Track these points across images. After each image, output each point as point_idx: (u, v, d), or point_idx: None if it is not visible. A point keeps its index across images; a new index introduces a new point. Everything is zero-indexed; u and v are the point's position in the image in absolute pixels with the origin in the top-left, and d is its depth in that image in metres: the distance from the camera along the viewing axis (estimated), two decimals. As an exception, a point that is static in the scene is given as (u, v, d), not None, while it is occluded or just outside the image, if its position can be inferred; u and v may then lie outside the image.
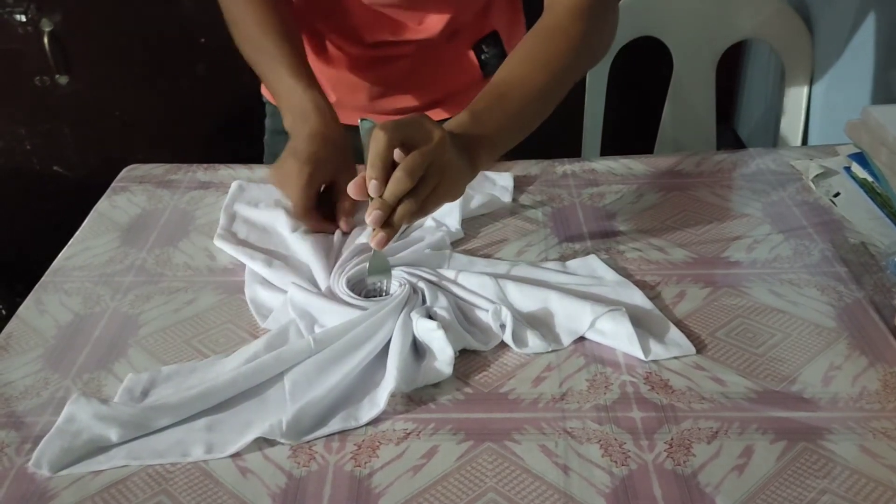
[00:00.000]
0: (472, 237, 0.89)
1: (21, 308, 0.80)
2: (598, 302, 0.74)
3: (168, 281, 0.84)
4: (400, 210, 0.69)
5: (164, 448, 0.63)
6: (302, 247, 0.85)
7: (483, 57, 1.09)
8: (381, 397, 0.66)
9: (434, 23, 1.02)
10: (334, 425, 0.64)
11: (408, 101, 1.11)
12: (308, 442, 0.64)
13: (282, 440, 0.63)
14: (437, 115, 1.10)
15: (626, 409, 0.66)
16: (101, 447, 0.63)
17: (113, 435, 0.63)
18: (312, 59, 1.08)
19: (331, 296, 0.77)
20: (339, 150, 0.89)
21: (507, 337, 0.72)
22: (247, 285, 0.81)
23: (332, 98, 1.09)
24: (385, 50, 1.05)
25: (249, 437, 0.63)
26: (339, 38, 1.06)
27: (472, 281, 0.78)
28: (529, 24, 1.08)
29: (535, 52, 0.84)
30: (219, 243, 0.88)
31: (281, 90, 0.92)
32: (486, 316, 0.74)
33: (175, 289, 0.82)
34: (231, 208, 0.94)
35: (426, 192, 0.70)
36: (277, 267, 0.82)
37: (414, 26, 1.03)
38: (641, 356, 0.70)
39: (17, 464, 0.63)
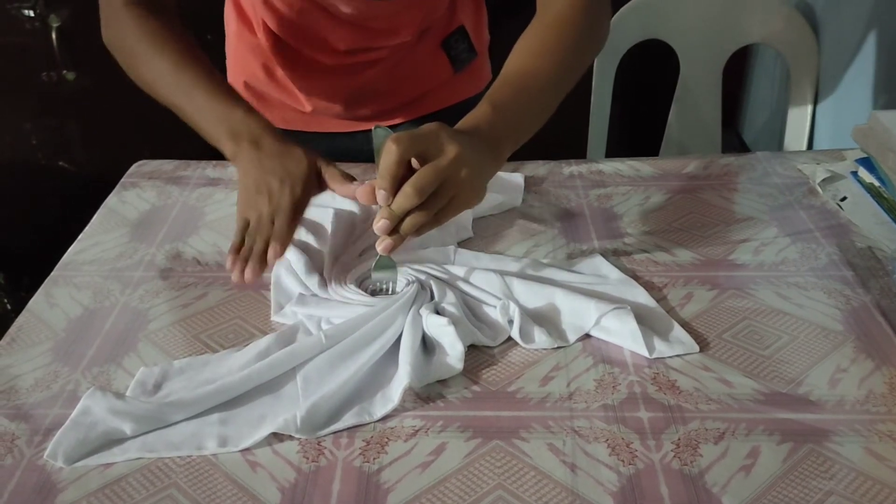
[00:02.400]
0: (480, 237, 0.90)
1: (31, 301, 0.81)
2: (602, 300, 0.74)
3: (177, 276, 0.84)
4: (407, 222, 0.69)
5: (178, 441, 0.63)
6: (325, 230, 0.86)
7: (453, 53, 1.09)
8: (394, 392, 0.66)
9: (406, 26, 1.02)
10: (348, 420, 0.65)
11: (384, 104, 1.10)
12: (317, 437, 0.64)
13: (297, 435, 0.64)
14: (412, 113, 1.11)
15: (633, 409, 0.66)
16: (116, 440, 0.64)
17: (127, 429, 0.64)
18: (286, 71, 1.06)
19: (337, 293, 0.77)
20: (310, 164, 0.79)
21: (515, 332, 0.73)
22: (273, 275, 0.82)
23: (308, 108, 1.08)
24: (358, 57, 1.04)
25: (265, 432, 0.63)
26: (311, 49, 1.04)
27: (479, 278, 0.78)
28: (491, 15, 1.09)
29: (545, 44, 0.84)
30: None
31: (212, 118, 0.82)
32: (493, 312, 0.75)
33: (185, 284, 0.83)
34: None
35: (437, 206, 0.70)
36: (305, 263, 0.82)
37: (386, 32, 1.02)
38: (646, 353, 0.71)
39: (28, 455, 0.63)
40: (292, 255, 0.83)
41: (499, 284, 0.77)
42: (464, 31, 1.09)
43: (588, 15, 0.86)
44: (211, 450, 0.63)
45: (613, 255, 0.85)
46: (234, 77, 1.13)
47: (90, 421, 0.64)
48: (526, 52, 0.83)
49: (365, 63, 1.05)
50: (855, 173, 0.98)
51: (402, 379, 0.67)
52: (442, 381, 0.69)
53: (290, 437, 0.64)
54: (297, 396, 0.67)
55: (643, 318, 0.74)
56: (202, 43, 0.88)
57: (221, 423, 0.65)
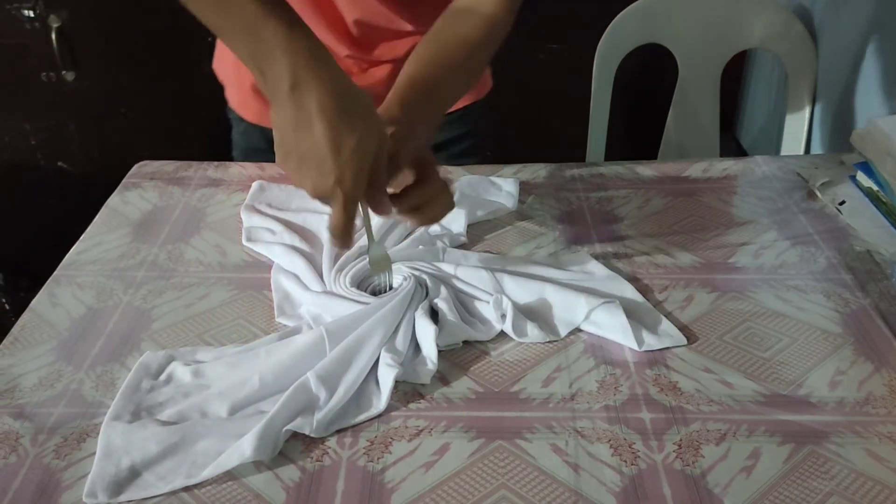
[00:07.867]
0: (481, 240, 0.90)
1: (34, 301, 0.81)
2: (592, 295, 0.76)
3: (180, 276, 0.84)
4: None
5: (224, 459, 0.61)
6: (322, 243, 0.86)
7: None
8: (386, 385, 0.67)
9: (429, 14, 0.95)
10: (350, 416, 0.66)
11: None
12: (326, 434, 0.64)
13: (312, 434, 0.64)
14: None
15: (635, 410, 0.66)
16: (148, 463, 0.62)
17: (153, 447, 0.62)
18: None
19: (337, 295, 0.77)
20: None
21: (507, 326, 0.73)
22: (273, 280, 0.82)
23: None
24: (374, 51, 1.01)
25: (285, 434, 0.63)
26: (327, 29, 0.97)
27: (470, 274, 0.79)
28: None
29: (472, 40, 0.82)
30: (248, 244, 0.89)
31: (263, 39, 0.62)
32: (485, 307, 0.76)
33: (187, 284, 0.83)
34: (253, 208, 0.94)
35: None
36: (304, 266, 0.82)
37: (410, 17, 0.98)
38: (635, 346, 0.72)
39: (32, 454, 0.63)
40: (290, 259, 0.83)
41: (489, 281, 0.78)
42: None
43: (510, 15, 0.83)
44: (249, 453, 0.61)
45: (614, 258, 0.86)
46: (238, 79, 1.10)
47: (116, 456, 0.62)
48: (431, 54, 0.80)
49: (379, 61, 1.02)
50: (853, 177, 0.99)
51: (389, 372, 0.68)
52: (445, 382, 0.70)
53: (294, 437, 0.64)
54: (312, 397, 0.66)
55: (631, 313, 0.75)
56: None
57: (239, 434, 0.63)
